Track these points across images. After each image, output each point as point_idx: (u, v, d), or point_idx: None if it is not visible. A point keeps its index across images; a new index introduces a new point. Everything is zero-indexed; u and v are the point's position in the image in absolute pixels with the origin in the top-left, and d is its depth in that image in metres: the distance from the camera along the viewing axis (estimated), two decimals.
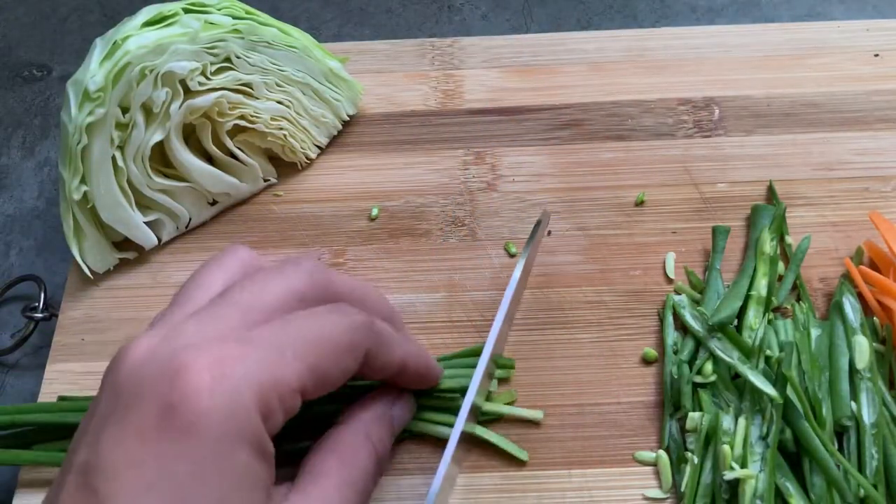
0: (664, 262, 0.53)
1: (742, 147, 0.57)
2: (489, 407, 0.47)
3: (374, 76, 0.62)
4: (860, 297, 0.49)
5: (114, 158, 0.50)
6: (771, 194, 0.55)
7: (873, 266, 0.51)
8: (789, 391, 0.44)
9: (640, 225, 0.55)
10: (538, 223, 0.49)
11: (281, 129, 0.55)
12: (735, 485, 0.43)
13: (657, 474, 0.46)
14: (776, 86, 0.60)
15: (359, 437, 0.40)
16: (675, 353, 0.49)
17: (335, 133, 0.59)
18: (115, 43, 0.48)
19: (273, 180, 0.58)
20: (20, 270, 0.58)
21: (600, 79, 0.61)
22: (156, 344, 0.35)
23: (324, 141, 0.58)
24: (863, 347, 0.46)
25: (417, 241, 0.55)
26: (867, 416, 0.44)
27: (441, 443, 0.47)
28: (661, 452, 0.46)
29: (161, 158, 0.54)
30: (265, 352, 0.34)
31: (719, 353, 0.47)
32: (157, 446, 0.31)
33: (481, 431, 0.46)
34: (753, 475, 0.42)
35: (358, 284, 0.41)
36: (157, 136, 0.51)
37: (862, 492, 0.42)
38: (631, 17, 0.68)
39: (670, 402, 0.47)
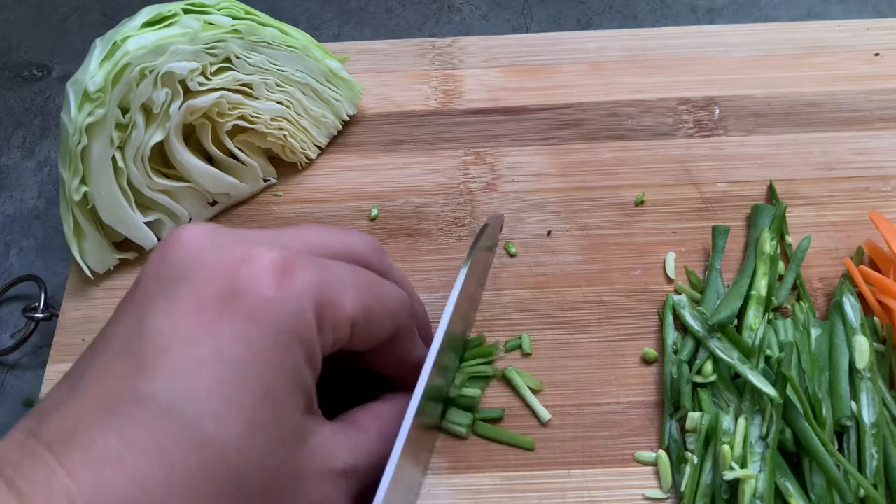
0: (664, 262, 0.53)
1: (742, 147, 0.57)
2: (517, 380, 0.48)
3: (373, 76, 0.62)
4: (860, 296, 0.49)
5: (114, 159, 0.50)
6: (771, 194, 0.55)
7: (873, 266, 0.51)
8: (789, 391, 0.44)
9: (640, 225, 0.55)
10: (485, 226, 0.48)
11: (281, 129, 0.55)
12: (735, 485, 0.43)
13: (657, 474, 0.46)
14: (776, 85, 0.60)
15: (397, 420, 0.40)
16: (675, 353, 0.49)
17: (335, 133, 0.59)
18: (114, 43, 0.48)
19: (273, 180, 0.58)
20: (20, 270, 0.58)
21: (600, 78, 0.61)
22: (220, 233, 0.34)
23: (324, 141, 0.58)
24: (863, 347, 0.46)
25: (417, 241, 0.55)
26: (867, 416, 0.44)
27: (454, 443, 0.47)
28: (661, 452, 0.46)
29: (161, 159, 0.54)
30: (329, 274, 0.35)
31: (719, 353, 0.47)
32: (215, 325, 0.31)
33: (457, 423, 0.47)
34: (753, 475, 0.42)
35: (409, 282, 0.44)
36: (157, 137, 0.51)
37: (862, 492, 0.42)
38: (631, 17, 0.68)
39: (670, 402, 0.47)
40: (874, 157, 0.56)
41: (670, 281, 0.52)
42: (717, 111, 0.59)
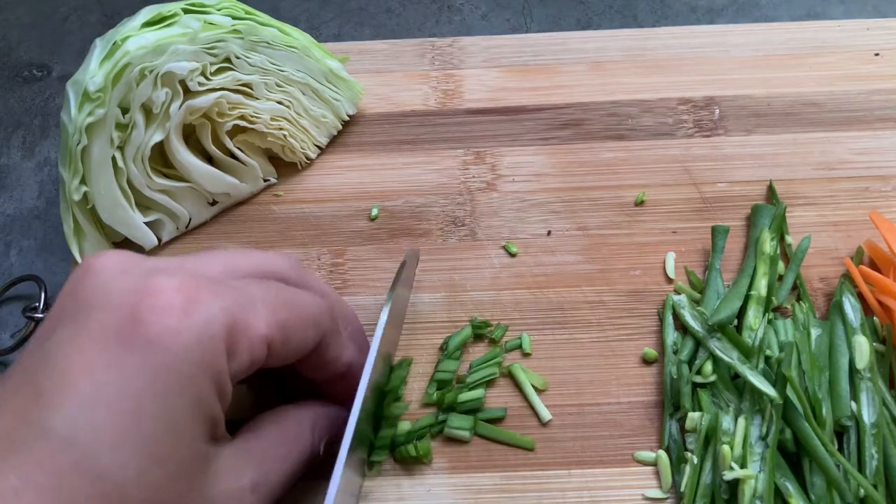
0: (664, 262, 0.53)
1: (742, 147, 0.57)
2: (522, 377, 0.48)
3: (373, 76, 0.62)
4: (860, 296, 0.49)
5: (114, 159, 0.50)
6: (771, 194, 0.55)
7: (873, 266, 0.51)
8: (789, 391, 0.44)
9: (640, 225, 0.55)
10: (403, 264, 0.48)
11: (281, 129, 0.55)
12: (734, 485, 0.43)
13: (657, 474, 0.46)
14: (776, 85, 0.60)
15: (304, 423, 0.41)
16: (675, 353, 0.49)
17: (335, 133, 0.59)
18: (114, 43, 0.48)
19: (273, 180, 0.58)
20: (20, 270, 0.58)
21: (600, 78, 0.61)
22: (131, 262, 0.34)
23: (324, 141, 0.58)
24: (863, 347, 0.46)
25: (417, 241, 0.55)
26: (867, 416, 0.44)
27: (454, 443, 0.47)
28: (662, 452, 0.46)
29: (161, 159, 0.54)
30: (240, 296, 0.35)
31: (719, 353, 0.47)
32: (116, 355, 0.31)
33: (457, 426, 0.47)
34: (753, 475, 0.42)
35: (333, 291, 0.44)
36: (157, 137, 0.51)
37: (862, 492, 0.42)
38: (631, 17, 0.68)
39: (670, 402, 0.47)
40: (874, 157, 0.56)
41: (670, 281, 0.52)
42: (717, 111, 0.59)
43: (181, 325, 0.32)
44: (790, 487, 0.43)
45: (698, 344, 0.48)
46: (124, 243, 0.54)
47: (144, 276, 0.33)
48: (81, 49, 0.57)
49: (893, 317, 0.47)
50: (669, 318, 0.50)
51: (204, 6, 0.52)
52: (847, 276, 0.50)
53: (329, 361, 0.41)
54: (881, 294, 0.49)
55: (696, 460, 0.44)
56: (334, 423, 0.42)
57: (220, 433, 0.36)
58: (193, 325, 0.32)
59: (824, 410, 0.45)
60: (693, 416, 0.45)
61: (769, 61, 0.61)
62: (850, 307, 0.48)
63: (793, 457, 0.44)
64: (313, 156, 0.58)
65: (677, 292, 0.52)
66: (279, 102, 0.55)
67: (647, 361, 0.49)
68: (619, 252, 0.54)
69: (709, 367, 0.47)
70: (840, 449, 0.45)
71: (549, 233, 0.54)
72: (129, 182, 0.52)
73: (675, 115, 0.59)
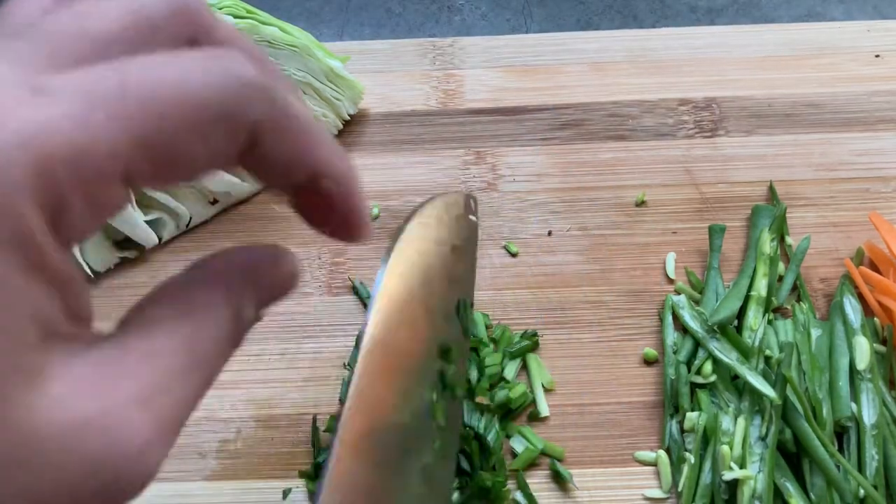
0: (664, 263, 0.53)
1: (743, 147, 0.57)
2: (534, 370, 0.48)
3: (374, 76, 0.62)
4: (860, 297, 0.49)
5: None
6: (771, 195, 0.55)
7: (873, 267, 0.51)
8: (789, 392, 0.44)
9: (641, 225, 0.55)
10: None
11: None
12: (734, 485, 0.42)
13: (657, 474, 0.46)
14: (777, 86, 0.60)
15: (216, 290, 0.25)
16: (675, 353, 0.49)
17: (336, 132, 0.59)
18: None
19: None
20: None
21: (601, 79, 0.61)
22: None
23: None
24: (863, 348, 0.46)
25: None
26: (867, 417, 0.44)
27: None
28: (662, 452, 0.46)
29: None
30: (67, 105, 0.21)
31: (718, 353, 0.47)
32: None
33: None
34: (752, 476, 0.42)
35: (240, 34, 0.26)
36: None
37: (862, 492, 0.42)
38: (631, 17, 0.68)
39: (671, 403, 0.47)
40: (874, 159, 0.56)
41: (670, 281, 0.52)
42: (718, 112, 0.59)
43: None
44: (790, 488, 0.43)
45: (697, 344, 0.48)
46: (125, 242, 0.54)
47: None
48: None
49: (894, 318, 0.47)
50: (669, 319, 0.50)
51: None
52: (847, 277, 0.50)
53: (284, 163, 0.24)
54: (881, 295, 0.49)
55: (693, 460, 0.44)
56: (257, 272, 0.26)
57: (65, 331, 0.22)
58: None
59: (824, 411, 0.45)
60: (691, 416, 0.45)
61: (770, 62, 0.61)
62: (851, 308, 0.48)
63: (793, 457, 0.44)
64: None
65: (678, 292, 0.52)
66: None
67: (647, 361, 0.49)
68: (619, 252, 0.54)
69: (708, 367, 0.47)
70: (840, 449, 0.45)
71: (549, 233, 0.54)
72: None
73: (676, 116, 0.59)
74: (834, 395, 0.45)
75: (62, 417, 0.21)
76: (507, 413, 0.47)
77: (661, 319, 0.50)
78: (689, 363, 0.47)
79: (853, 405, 0.45)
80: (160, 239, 0.55)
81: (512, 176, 0.57)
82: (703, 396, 0.46)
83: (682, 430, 0.46)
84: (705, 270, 0.52)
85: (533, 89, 0.61)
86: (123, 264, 0.55)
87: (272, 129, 0.24)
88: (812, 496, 0.42)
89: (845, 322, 0.48)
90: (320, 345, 0.51)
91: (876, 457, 0.43)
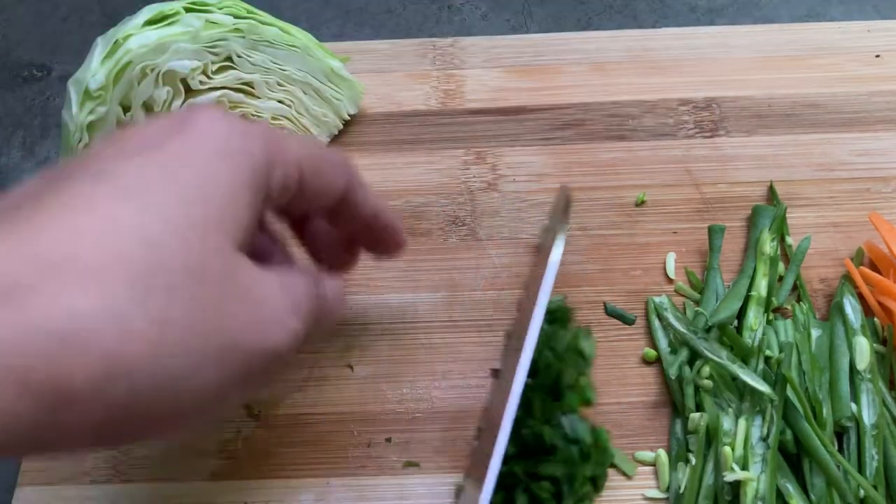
0: (665, 263, 0.53)
1: (743, 147, 0.57)
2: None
3: (374, 76, 0.62)
4: (860, 297, 0.49)
5: None
6: (771, 195, 0.55)
7: (873, 267, 0.51)
8: (789, 392, 0.44)
9: (641, 225, 0.55)
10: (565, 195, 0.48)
11: (282, 128, 0.55)
12: (737, 486, 0.43)
13: (657, 474, 0.46)
14: (777, 86, 0.60)
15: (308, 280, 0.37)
16: (672, 353, 0.49)
17: (336, 133, 0.59)
18: (116, 42, 0.49)
19: None
20: None
21: (601, 79, 0.61)
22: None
23: (325, 140, 0.58)
24: (863, 348, 0.46)
25: (418, 241, 0.55)
26: (867, 417, 0.44)
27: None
28: (661, 452, 0.46)
29: None
30: (272, 131, 0.35)
31: (707, 353, 0.46)
32: (163, 142, 0.31)
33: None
34: (754, 478, 0.42)
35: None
36: None
37: (862, 492, 0.42)
38: (631, 17, 0.68)
39: (680, 402, 0.47)
40: (875, 159, 0.56)
41: (670, 281, 0.52)
42: (718, 112, 0.59)
43: (227, 127, 0.32)
44: (790, 488, 0.43)
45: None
46: None
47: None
48: (81, 49, 0.57)
49: (894, 318, 0.47)
50: (656, 322, 0.50)
51: (205, 4, 0.52)
52: (847, 277, 0.50)
53: (357, 205, 0.40)
54: (881, 295, 0.49)
55: (694, 461, 0.44)
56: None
57: (246, 251, 0.33)
58: (236, 128, 0.32)
59: (825, 411, 0.45)
60: (694, 417, 0.45)
61: (770, 62, 0.61)
62: (851, 308, 0.48)
63: (793, 457, 0.44)
64: None
65: (678, 293, 0.52)
66: (280, 101, 0.55)
67: (647, 361, 0.49)
68: (619, 252, 0.54)
69: (707, 367, 0.47)
70: (840, 450, 0.45)
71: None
72: None
73: (676, 116, 0.59)
74: (834, 395, 0.45)
75: (270, 297, 0.32)
76: None
77: (649, 323, 0.50)
78: (690, 363, 0.47)
79: (853, 405, 0.45)
80: None
81: (512, 176, 0.57)
82: (706, 397, 0.46)
83: (685, 431, 0.46)
84: (705, 270, 0.52)
85: (533, 89, 0.61)
86: None
87: (356, 181, 0.39)
88: (812, 497, 0.43)
89: (845, 322, 0.48)
90: (320, 344, 0.51)
91: (876, 457, 0.43)
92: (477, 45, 0.63)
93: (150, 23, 0.50)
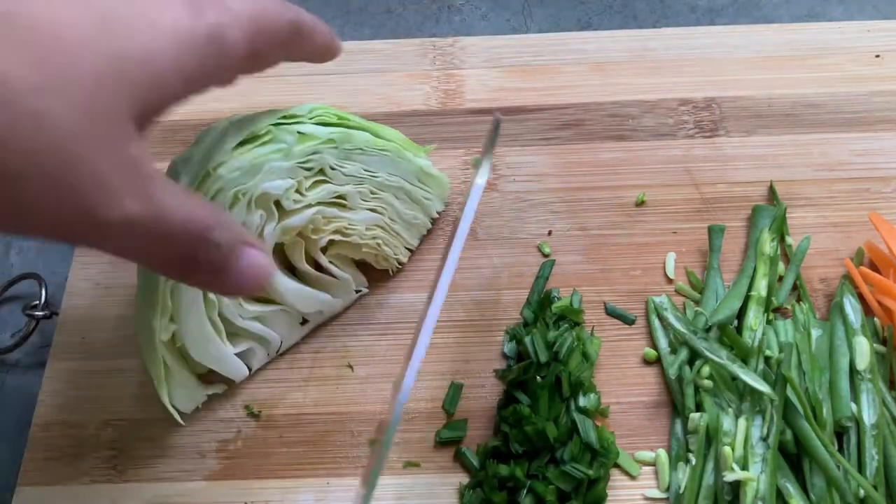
0: (664, 263, 0.53)
1: (743, 147, 0.57)
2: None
3: (375, 76, 0.62)
4: (860, 297, 0.49)
5: (205, 291, 0.46)
6: (771, 195, 0.55)
7: (873, 267, 0.51)
8: (789, 392, 0.44)
9: (641, 225, 0.55)
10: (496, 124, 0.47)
11: (375, 237, 0.51)
12: (737, 486, 0.43)
13: (657, 474, 0.46)
14: (777, 86, 0.60)
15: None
16: (672, 352, 0.49)
17: (425, 233, 0.55)
18: (207, 173, 0.44)
19: (364, 290, 0.53)
20: (20, 271, 0.58)
21: (601, 79, 0.61)
22: None
23: (415, 243, 0.54)
24: (863, 348, 0.46)
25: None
26: (867, 417, 0.44)
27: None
28: (661, 452, 0.46)
29: None
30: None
31: (707, 353, 0.46)
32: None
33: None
34: (754, 478, 0.42)
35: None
36: None
37: (862, 492, 0.42)
38: (631, 17, 0.68)
39: (680, 402, 0.47)
40: (874, 159, 0.56)
41: (670, 281, 0.52)
42: (718, 112, 0.59)
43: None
44: (790, 488, 0.43)
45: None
46: (211, 374, 0.49)
47: None
48: None
49: (894, 318, 0.47)
50: (656, 322, 0.50)
51: (295, 116, 0.47)
52: (847, 277, 0.50)
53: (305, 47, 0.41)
54: (881, 295, 0.49)
55: (694, 461, 0.44)
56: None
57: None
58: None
59: (825, 411, 0.45)
60: (694, 417, 0.45)
61: (770, 62, 0.61)
62: (851, 308, 0.48)
63: (793, 457, 0.44)
64: (405, 260, 0.54)
65: (678, 293, 0.52)
66: (373, 210, 0.50)
67: (647, 361, 0.49)
68: (619, 252, 0.54)
69: (707, 367, 0.47)
70: (840, 450, 0.45)
71: (549, 233, 0.54)
72: (220, 314, 0.47)
73: (676, 116, 0.59)
74: (834, 395, 0.45)
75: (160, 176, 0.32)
76: None
77: (649, 323, 0.50)
78: (691, 363, 0.47)
79: (853, 405, 0.45)
80: (250, 369, 0.50)
81: (512, 176, 0.57)
82: (706, 397, 0.46)
83: (685, 431, 0.46)
84: (705, 270, 0.52)
85: (533, 89, 0.61)
86: (211, 401, 0.50)
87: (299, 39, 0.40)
88: (812, 496, 0.43)
89: (845, 322, 0.48)
90: (320, 344, 0.51)
91: (876, 457, 0.43)
92: (477, 45, 0.63)
93: (240, 145, 0.45)
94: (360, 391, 0.49)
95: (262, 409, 0.49)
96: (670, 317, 0.49)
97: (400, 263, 0.53)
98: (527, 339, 0.47)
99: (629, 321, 0.51)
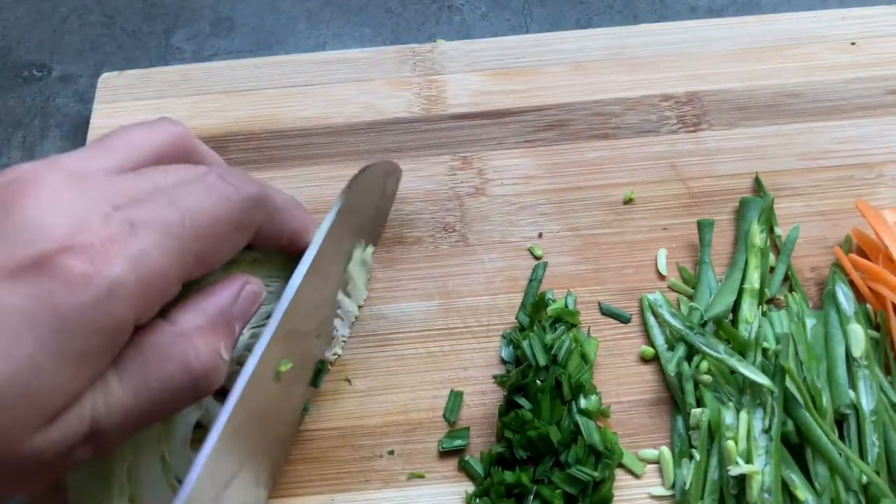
0: (656, 259, 0.53)
1: (726, 140, 0.58)
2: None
3: (356, 84, 0.61)
4: (852, 284, 0.50)
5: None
6: (757, 186, 0.55)
7: (862, 253, 0.52)
8: (788, 383, 0.44)
9: (630, 223, 0.55)
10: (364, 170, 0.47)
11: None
12: (742, 480, 0.43)
13: (661, 472, 0.46)
14: (757, 77, 0.60)
15: (177, 345, 0.35)
16: (670, 349, 0.49)
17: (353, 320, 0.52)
18: None
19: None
20: None
21: (582, 78, 0.61)
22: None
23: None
24: (858, 335, 0.47)
25: (409, 250, 0.54)
26: (866, 404, 0.45)
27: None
28: (664, 449, 0.46)
29: None
30: (154, 237, 0.32)
31: (704, 347, 0.47)
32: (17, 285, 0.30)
33: None
34: (759, 471, 0.42)
35: (216, 155, 0.41)
36: None
37: (864, 478, 0.43)
38: (631, 17, 0.67)
39: (681, 399, 0.47)
40: (856, 146, 0.57)
41: (663, 278, 0.52)
42: (700, 106, 0.59)
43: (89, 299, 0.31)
44: (794, 478, 0.43)
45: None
46: None
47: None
48: (81, 49, 0.55)
49: (885, 303, 0.48)
50: (651, 319, 0.50)
51: None
52: (838, 265, 0.51)
53: (272, 238, 0.40)
54: (872, 281, 0.49)
55: (698, 457, 0.44)
56: (222, 317, 0.37)
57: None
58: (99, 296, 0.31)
59: (824, 400, 0.45)
60: (695, 413, 0.45)
61: (748, 54, 0.61)
62: (844, 296, 0.49)
63: (795, 447, 0.44)
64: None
65: (671, 288, 0.52)
66: None
67: (645, 359, 0.50)
68: (610, 251, 0.54)
69: (705, 363, 0.47)
70: (841, 437, 0.45)
71: (540, 235, 0.54)
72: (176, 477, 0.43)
73: (659, 112, 0.59)
74: (832, 383, 0.46)
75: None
76: None
77: (644, 321, 0.51)
78: (689, 359, 0.48)
79: (851, 393, 0.45)
80: None
81: (499, 179, 0.57)
82: (706, 392, 0.46)
83: (687, 427, 0.46)
84: (697, 265, 0.53)
85: (514, 92, 0.61)
86: None
87: (269, 223, 0.38)
88: (816, 485, 0.43)
89: (839, 310, 0.48)
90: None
91: (877, 443, 0.44)
92: (456, 49, 0.63)
93: None
94: (359, 404, 0.49)
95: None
96: (665, 314, 0.49)
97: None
98: (524, 344, 0.47)
99: (624, 320, 0.51)
